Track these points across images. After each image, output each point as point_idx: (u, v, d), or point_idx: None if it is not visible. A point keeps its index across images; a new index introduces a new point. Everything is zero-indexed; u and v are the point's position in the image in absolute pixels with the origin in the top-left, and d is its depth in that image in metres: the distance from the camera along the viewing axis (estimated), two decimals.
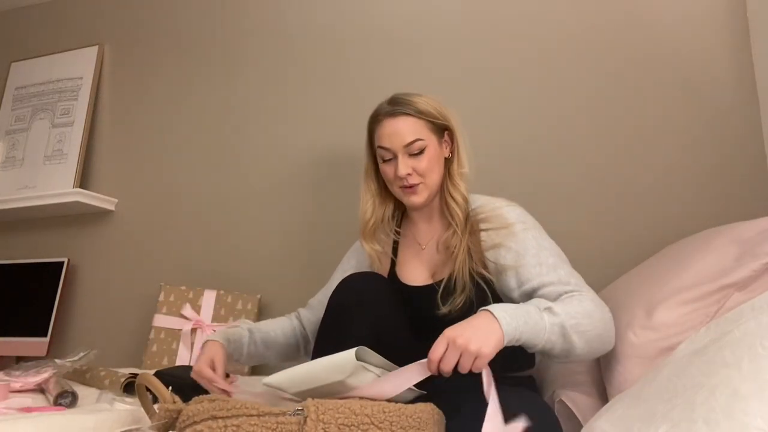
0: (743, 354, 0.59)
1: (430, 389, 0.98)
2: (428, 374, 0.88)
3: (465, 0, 1.80)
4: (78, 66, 2.21)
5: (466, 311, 1.05)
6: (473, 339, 0.84)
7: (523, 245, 1.06)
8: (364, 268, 1.29)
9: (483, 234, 1.11)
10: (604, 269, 1.48)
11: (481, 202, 1.19)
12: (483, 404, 0.80)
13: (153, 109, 2.12)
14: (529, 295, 1.04)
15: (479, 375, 0.99)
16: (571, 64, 1.67)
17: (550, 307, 0.93)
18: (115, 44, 2.24)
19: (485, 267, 1.10)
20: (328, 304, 1.12)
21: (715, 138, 1.52)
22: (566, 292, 0.99)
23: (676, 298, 1.00)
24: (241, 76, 2.02)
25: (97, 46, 2.22)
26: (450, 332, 0.87)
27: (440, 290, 1.10)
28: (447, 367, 0.85)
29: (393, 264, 1.26)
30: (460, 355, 0.84)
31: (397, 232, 1.28)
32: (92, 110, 2.15)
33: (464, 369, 0.85)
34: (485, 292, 1.08)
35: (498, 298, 1.08)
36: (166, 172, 2.05)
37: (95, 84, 2.17)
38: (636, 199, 1.55)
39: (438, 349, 0.86)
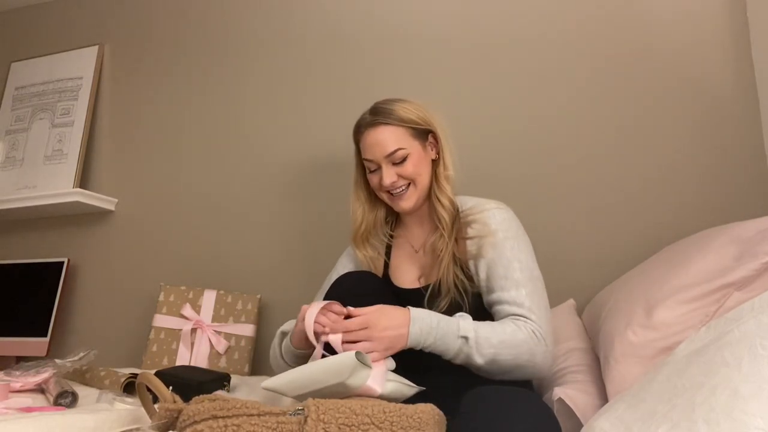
0: (743, 354, 0.59)
1: (431, 388, 0.98)
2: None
3: (461, 1, 1.81)
4: (78, 66, 2.21)
5: (452, 314, 1.08)
6: (384, 338, 0.98)
7: (498, 253, 1.09)
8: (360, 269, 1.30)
9: (468, 242, 1.13)
10: (604, 269, 1.49)
11: (471, 203, 1.20)
12: (484, 405, 0.80)
13: (153, 109, 2.12)
14: (491, 305, 1.10)
15: (479, 376, 1.00)
16: (569, 64, 1.67)
17: (466, 336, 0.99)
18: (115, 44, 2.24)
19: (467, 275, 1.12)
20: (325, 300, 1.13)
21: (714, 138, 1.52)
22: (513, 315, 1.04)
23: (676, 297, 1.00)
24: (242, 76, 2.02)
25: (97, 46, 2.22)
26: (373, 318, 0.99)
27: (427, 294, 1.14)
28: (349, 339, 0.97)
29: (386, 266, 1.28)
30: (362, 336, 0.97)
31: (391, 236, 1.30)
32: (92, 110, 2.15)
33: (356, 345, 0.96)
34: (465, 297, 1.10)
35: (477, 304, 1.11)
36: (166, 172, 2.05)
37: (95, 84, 2.17)
38: (636, 199, 1.55)
39: (353, 324, 0.99)
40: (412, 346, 1.00)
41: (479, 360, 0.99)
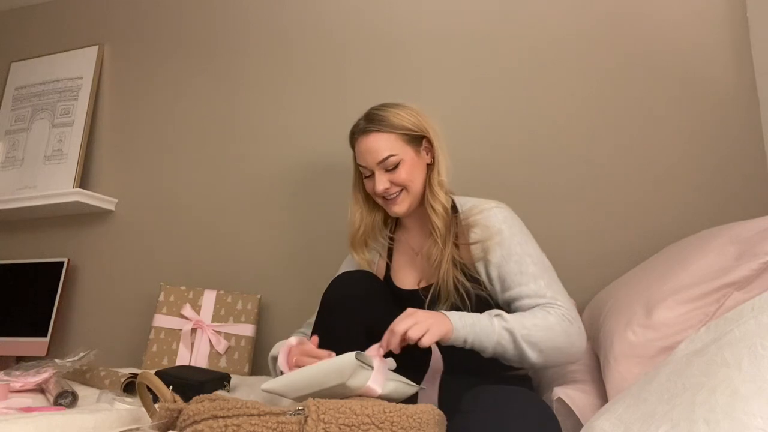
0: (743, 354, 0.59)
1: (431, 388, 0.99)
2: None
3: (459, 1, 1.81)
4: (78, 66, 2.21)
5: None
6: (429, 318, 0.97)
7: (508, 251, 1.09)
8: None
9: (473, 247, 1.13)
10: (604, 269, 1.49)
11: (470, 204, 1.20)
12: (484, 405, 0.80)
13: (153, 109, 2.12)
14: (508, 303, 1.09)
15: (479, 376, 1.00)
16: (570, 65, 1.67)
17: (500, 314, 1.01)
18: (115, 44, 2.24)
19: (471, 278, 1.12)
20: (322, 300, 1.14)
21: (714, 138, 1.52)
22: (538, 305, 1.03)
23: (676, 297, 1.00)
24: (242, 76, 2.02)
25: (97, 46, 2.22)
26: (411, 309, 0.99)
27: (427, 299, 1.14)
28: (399, 328, 0.94)
29: (388, 268, 1.28)
30: (414, 324, 0.95)
31: (391, 238, 1.30)
32: (92, 110, 2.15)
33: (413, 337, 0.94)
34: (467, 301, 1.10)
35: (480, 308, 1.10)
36: (166, 172, 2.05)
37: (95, 84, 2.18)
38: (636, 199, 1.56)
39: (401, 317, 0.97)
40: (457, 330, 0.98)
41: (522, 342, 0.98)
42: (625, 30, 1.63)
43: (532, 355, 0.98)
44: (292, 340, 1.11)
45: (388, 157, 1.16)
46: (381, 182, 1.17)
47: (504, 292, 1.09)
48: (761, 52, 1.49)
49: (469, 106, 1.73)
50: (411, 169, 1.18)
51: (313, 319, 1.28)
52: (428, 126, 1.21)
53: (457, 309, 1.09)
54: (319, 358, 1.00)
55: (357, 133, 1.21)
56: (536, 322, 0.99)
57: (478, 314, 1.01)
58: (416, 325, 0.95)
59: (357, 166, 1.25)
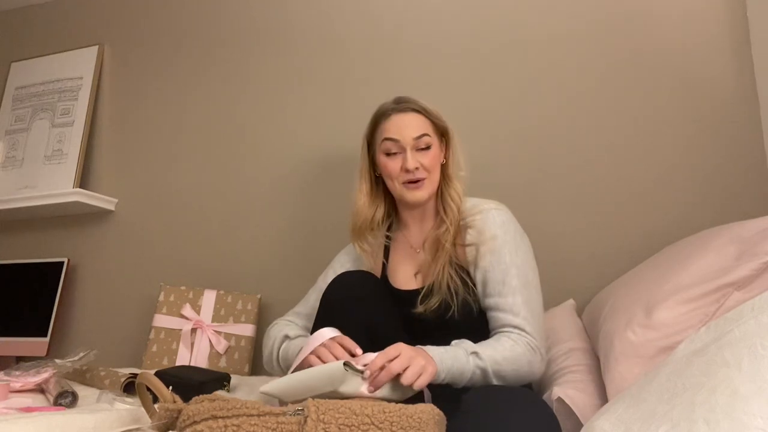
0: (743, 354, 0.59)
1: (430, 389, 0.98)
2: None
3: (460, 1, 1.80)
4: (78, 66, 2.21)
5: (442, 313, 1.11)
6: (421, 360, 0.92)
7: (497, 258, 1.10)
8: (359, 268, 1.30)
9: (467, 249, 1.14)
10: (605, 269, 1.49)
11: (470, 204, 1.21)
12: (484, 405, 0.80)
13: (153, 109, 2.12)
14: (486, 309, 1.11)
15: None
16: (570, 64, 1.67)
17: (476, 351, 0.99)
18: (115, 44, 2.24)
19: (462, 279, 1.13)
20: (323, 299, 1.15)
21: (714, 138, 1.52)
22: (509, 326, 1.05)
23: (676, 297, 1.00)
24: (241, 76, 2.02)
25: (97, 46, 2.22)
26: (401, 346, 0.93)
27: (421, 294, 1.15)
28: (394, 368, 0.89)
29: (385, 267, 1.28)
30: (408, 366, 0.90)
31: (388, 237, 1.30)
32: (92, 110, 2.15)
33: (407, 379, 0.89)
34: (455, 299, 1.11)
35: (465, 311, 1.11)
36: (166, 172, 2.05)
37: (95, 84, 2.17)
38: (636, 199, 1.55)
39: (390, 352, 0.91)
40: (439, 373, 0.96)
41: (492, 377, 0.99)
42: (625, 30, 1.63)
43: (496, 383, 1.01)
44: (326, 332, 1.05)
45: (423, 135, 1.18)
46: (413, 160, 1.17)
47: (484, 298, 1.12)
48: (761, 52, 1.49)
49: (468, 106, 1.73)
50: (435, 157, 1.21)
51: (299, 308, 1.32)
52: (448, 123, 1.25)
53: (446, 305, 1.11)
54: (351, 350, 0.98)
55: (390, 110, 1.22)
56: (506, 355, 1.01)
57: (456, 350, 0.99)
58: (410, 369, 0.91)
59: (370, 151, 1.26)
